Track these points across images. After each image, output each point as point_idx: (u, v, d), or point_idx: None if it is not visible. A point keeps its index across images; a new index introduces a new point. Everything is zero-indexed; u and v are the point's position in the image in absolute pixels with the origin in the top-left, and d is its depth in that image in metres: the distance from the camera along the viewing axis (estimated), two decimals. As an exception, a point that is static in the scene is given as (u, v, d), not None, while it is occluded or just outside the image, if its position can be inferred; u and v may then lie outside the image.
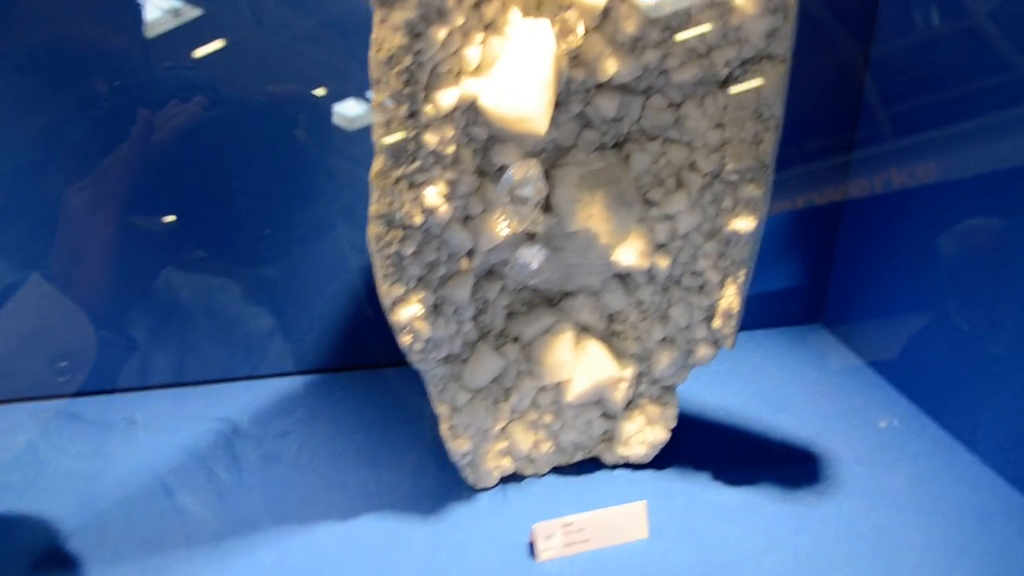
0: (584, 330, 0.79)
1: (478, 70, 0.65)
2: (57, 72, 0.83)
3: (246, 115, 0.89)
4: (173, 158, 0.87)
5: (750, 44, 0.67)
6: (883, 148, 0.98)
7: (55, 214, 0.85)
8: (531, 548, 0.73)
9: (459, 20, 0.62)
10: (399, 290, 0.68)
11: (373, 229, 0.66)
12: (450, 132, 0.65)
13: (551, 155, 0.73)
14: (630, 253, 0.74)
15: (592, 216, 0.73)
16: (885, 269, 0.98)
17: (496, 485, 0.80)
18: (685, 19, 0.67)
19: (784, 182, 1.02)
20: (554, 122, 0.71)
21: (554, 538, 0.73)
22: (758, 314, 1.10)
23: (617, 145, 0.75)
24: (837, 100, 1.01)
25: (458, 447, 0.77)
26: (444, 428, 0.76)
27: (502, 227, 0.70)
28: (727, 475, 0.81)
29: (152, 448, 0.84)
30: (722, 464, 0.83)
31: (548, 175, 0.73)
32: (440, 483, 0.80)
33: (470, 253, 0.72)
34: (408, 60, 0.61)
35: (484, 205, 0.70)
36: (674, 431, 0.82)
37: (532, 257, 0.73)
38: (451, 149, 0.65)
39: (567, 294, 0.79)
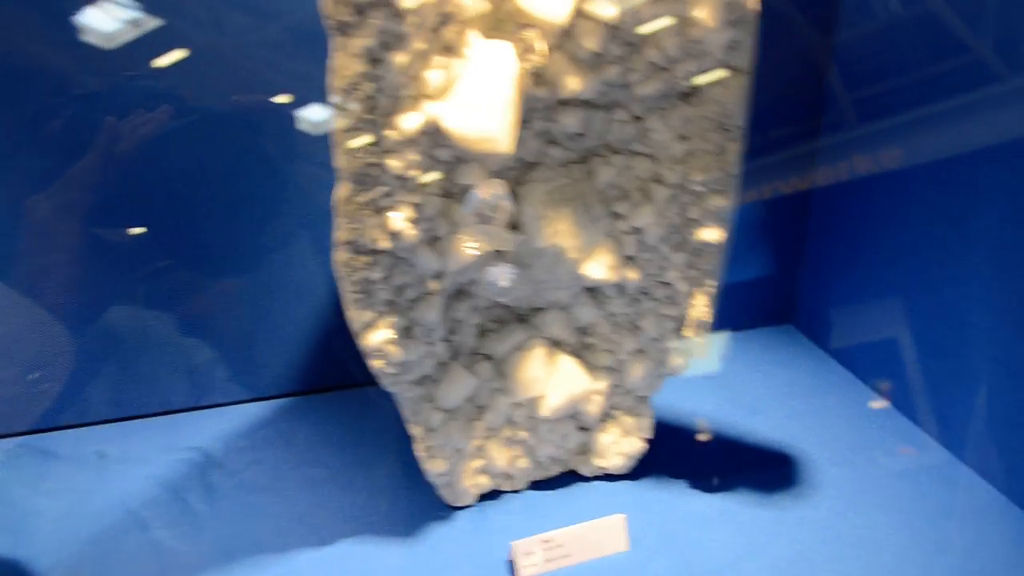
0: (556, 345, 0.79)
1: (440, 93, 0.65)
2: (13, 86, 0.82)
3: (213, 125, 0.88)
4: (137, 171, 0.87)
5: (711, 57, 0.67)
6: (849, 137, 0.98)
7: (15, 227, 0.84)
8: (510, 566, 0.73)
9: (418, 45, 0.61)
10: (368, 315, 0.68)
11: (340, 256, 0.66)
12: (414, 156, 0.64)
13: (517, 173, 0.73)
14: (599, 267, 0.74)
15: (559, 232, 0.73)
16: (854, 266, 0.99)
17: (474, 503, 0.80)
18: (647, 33, 0.68)
19: (750, 176, 1.02)
20: (519, 140, 0.71)
21: (534, 555, 0.73)
22: (728, 317, 1.10)
23: (582, 160, 0.75)
24: (801, 93, 1.01)
25: (434, 468, 0.77)
26: (419, 449, 0.76)
27: (470, 248, 0.70)
28: (704, 482, 0.82)
29: (125, 481, 0.82)
30: (699, 471, 0.83)
31: (514, 193, 0.73)
32: (417, 503, 0.80)
33: (438, 274, 0.71)
34: (369, 87, 0.61)
35: (451, 226, 0.70)
36: (650, 440, 0.82)
37: (501, 275, 0.73)
38: (415, 172, 0.65)
39: (537, 310, 0.78)
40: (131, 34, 0.85)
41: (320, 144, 0.89)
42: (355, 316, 0.68)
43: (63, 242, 0.86)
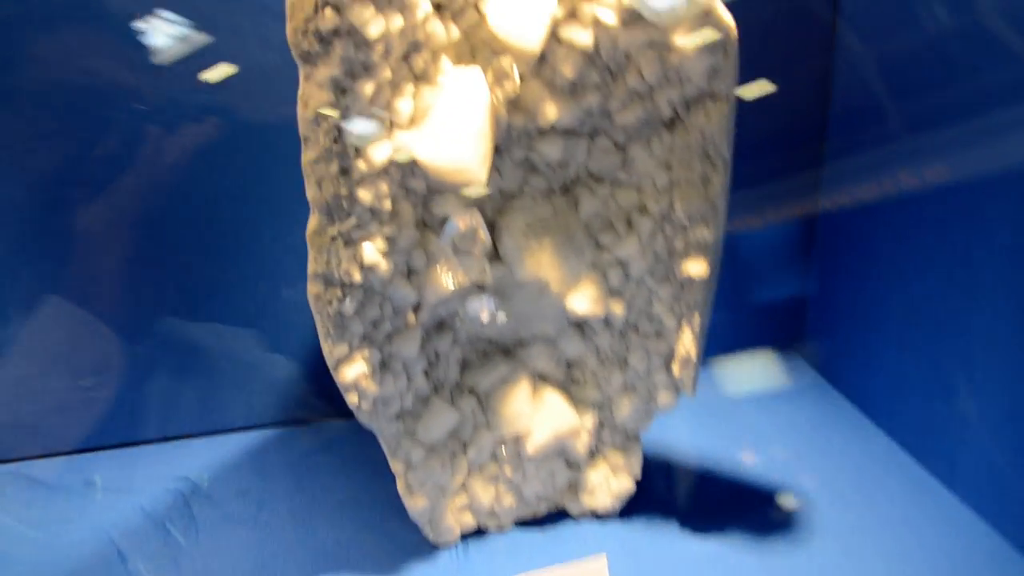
0: (542, 379, 0.77)
1: (411, 122, 0.63)
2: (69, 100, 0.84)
3: (254, 138, 0.88)
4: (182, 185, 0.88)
5: (692, 83, 0.65)
6: (853, 164, 0.95)
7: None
8: (491, 608, 0.71)
9: (386, 74, 0.60)
10: (342, 349, 0.67)
11: (312, 289, 0.65)
12: (385, 187, 0.63)
13: (496, 203, 0.71)
14: (583, 300, 0.72)
15: (541, 264, 0.71)
16: (860, 295, 0.96)
17: (457, 541, 0.78)
18: (624, 60, 0.66)
19: (755, 202, 1.00)
20: (498, 169, 0.70)
21: (514, 597, 0.71)
22: (733, 342, 1.07)
23: (566, 189, 0.73)
24: (804, 120, 0.99)
25: (415, 504, 0.75)
26: (401, 485, 0.74)
27: (447, 280, 0.68)
28: (696, 523, 0.79)
29: (109, 511, 0.82)
30: (691, 511, 0.81)
31: (494, 224, 0.72)
32: (400, 540, 0.78)
33: (416, 307, 0.70)
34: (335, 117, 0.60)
35: (427, 258, 0.68)
36: (642, 474, 0.80)
37: (482, 308, 0.71)
38: (388, 204, 0.64)
39: (523, 342, 0.77)
40: (180, 50, 0.85)
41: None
42: (329, 350, 0.67)
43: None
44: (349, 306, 0.65)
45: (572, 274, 0.72)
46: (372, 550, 0.77)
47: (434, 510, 0.76)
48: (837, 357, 1.03)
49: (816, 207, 1.02)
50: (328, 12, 0.57)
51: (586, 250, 0.72)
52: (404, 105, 0.62)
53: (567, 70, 0.66)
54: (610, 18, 0.63)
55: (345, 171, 0.62)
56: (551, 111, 0.67)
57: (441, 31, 0.63)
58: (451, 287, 0.68)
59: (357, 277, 0.64)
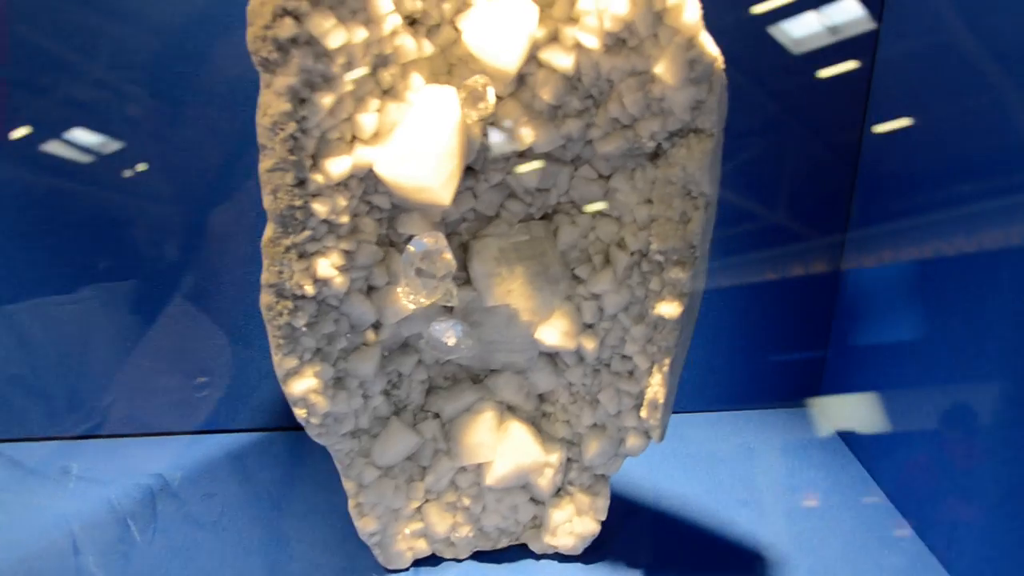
0: (510, 410, 0.74)
1: (375, 137, 0.61)
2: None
3: None
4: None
5: (675, 116, 0.62)
6: (879, 228, 0.91)
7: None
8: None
9: (348, 86, 0.58)
10: (292, 362, 0.65)
11: (264, 299, 0.63)
12: (343, 201, 0.61)
13: (471, 225, 0.69)
14: (553, 332, 0.69)
15: (512, 292, 0.68)
16: (877, 355, 0.91)
17: (409, 567, 0.76)
18: (607, 88, 0.63)
19: (779, 259, 0.96)
20: (473, 191, 0.67)
21: (455, 634, 0.68)
22: (746, 392, 1.03)
23: (546, 217, 0.70)
24: (831, 183, 0.96)
25: (364, 526, 0.73)
26: (351, 505, 0.72)
27: (407, 300, 0.66)
28: (661, 573, 0.75)
29: (76, 500, 0.82)
30: (661, 563, 0.77)
31: (467, 246, 0.69)
32: (353, 561, 0.76)
33: (377, 325, 0.68)
34: (292, 127, 0.58)
35: (389, 277, 0.66)
36: (616, 517, 0.77)
37: (447, 332, 0.69)
38: (346, 218, 0.62)
39: (493, 371, 0.74)
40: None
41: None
42: (278, 362, 0.65)
43: None
44: (300, 319, 0.63)
45: (544, 304, 0.69)
46: (322, 567, 0.75)
47: (384, 533, 0.74)
48: (847, 414, 0.97)
49: (839, 267, 0.98)
50: (287, 20, 0.56)
51: (561, 281, 0.69)
52: (368, 119, 0.60)
53: (546, 94, 0.63)
54: (592, 42, 0.60)
55: (301, 182, 0.60)
56: (528, 135, 0.64)
57: (412, 46, 0.60)
58: (410, 308, 0.66)
59: (310, 291, 0.62)
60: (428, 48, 0.62)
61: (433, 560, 0.77)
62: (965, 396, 0.74)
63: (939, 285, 0.80)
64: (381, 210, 0.64)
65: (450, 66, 0.64)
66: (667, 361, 0.67)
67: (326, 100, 0.58)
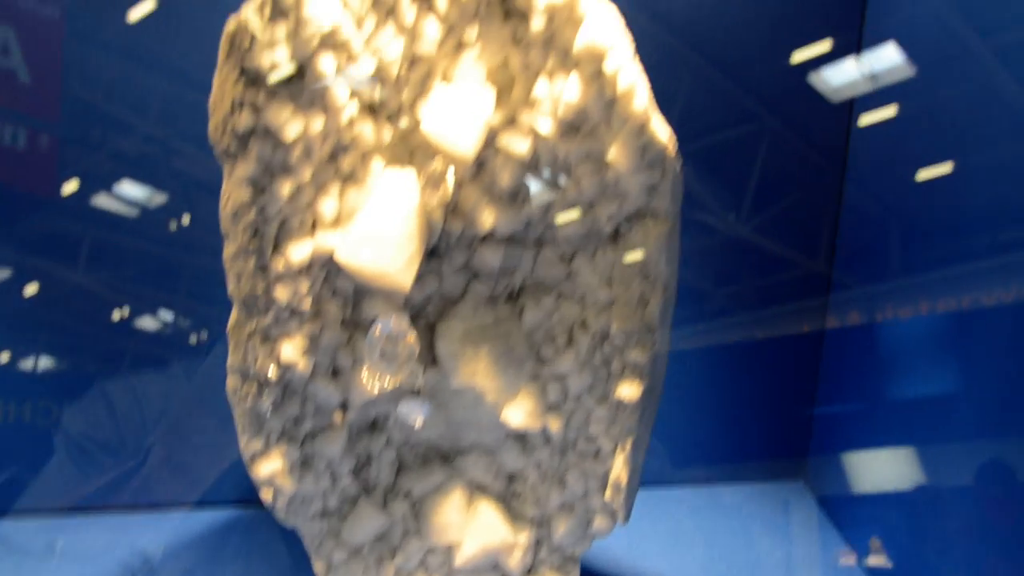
0: (479, 489, 0.74)
1: (336, 222, 0.63)
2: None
3: None
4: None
5: (630, 200, 0.63)
6: (859, 292, 0.91)
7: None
8: None
9: (307, 174, 0.60)
10: (257, 444, 0.66)
11: (230, 382, 0.64)
12: (305, 286, 0.62)
13: (437, 307, 0.70)
14: (519, 413, 0.70)
15: (477, 372, 0.69)
16: (864, 425, 0.90)
17: (381, 649, 0.75)
18: (565, 171, 0.64)
19: (761, 323, 0.97)
20: (437, 274, 0.68)
21: None
22: (733, 467, 1.02)
23: (511, 297, 0.71)
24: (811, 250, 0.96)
25: (334, 607, 0.73)
26: (321, 586, 0.72)
27: (372, 382, 0.67)
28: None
29: (59, 579, 0.83)
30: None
31: (433, 328, 0.70)
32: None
33: (344, 406, 0.68)
34: (252, 214, 0.60)
35: (355, 359, 0.67)
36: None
37: (414, 412, 0.69)
38: (308, 303, 0.63)
39: (461, 450, 0.74)
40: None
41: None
42: (244, 444, 0.66)
43: None
44: (265, 402, 0.64)
45: (510, 385, 0.70)
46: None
47: (356, 615, 0.74)
48: (835, 489, 0.96)
49: (823, 329, 0.98)
50: (245, 112, 0.58)
51: (527, 361, 0.70)
52: (328, 206, 0.62)
53: (505, 178, 0.64)
54: (548, 128, 0.62)
55: (263, 268, 0.61)
56: (489, 218, 0.65)
57: (370, 133, 0.62)
58: (375, 390, 0.67)
59: (274, 374, 0.63)
60: (387, 135, 0.63)
61: (404, 642, 0.76)
62: (937, 473, 0.73)
63: (921, 349, 0.80)
64: (344, 294, 0.65)
65: (410, 152, 0.65)
66: (629, 442, 0.67)
67: (285, 188, 0.60)
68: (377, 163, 0.63)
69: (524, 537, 0.73)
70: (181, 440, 0.94)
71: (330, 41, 0.58)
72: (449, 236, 0.66)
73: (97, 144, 0.88)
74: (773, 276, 0.98)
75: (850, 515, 0.92)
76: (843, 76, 0.92)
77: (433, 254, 0.67)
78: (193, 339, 0.94)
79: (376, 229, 0.62)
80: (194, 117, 0.85)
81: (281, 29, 0.57)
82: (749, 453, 1.03)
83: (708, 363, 1.00)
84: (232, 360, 0.63)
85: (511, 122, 0.63)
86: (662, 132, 0.60)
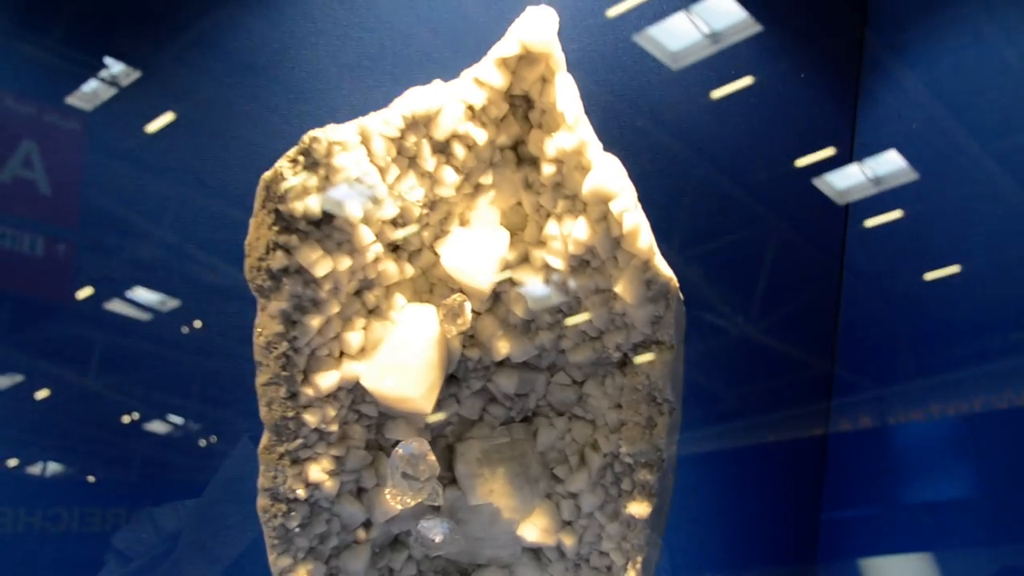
0: (497, 604, 0.77)
1: (361, 353, 0.67)
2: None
3: None
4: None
5: (636, 330, 0.67)
6: (861, 397, 0.95)
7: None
8: None
9: (335, 308, 0.65)
10: (286, 561, 0.69)
11: (261, 502, 0.68)
12: (332, 411, 0.67)
13: (456, 429, 0.74)
14: (534, 529, 0.73)
15: (494, 491, 0.72)
16: (871, 519, 0.92)
17: None
18: (575, 304, 0.68)
19: (766, 430, 1.00)
20: (456, 398, 0.72)
21: None
22: (745, 554, 1.04)
23: (526, 419, 0.75)
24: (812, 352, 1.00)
25: None
26: None
27: (396, 501, 0.70)
28: None
29: None
30: None
31: (452, 449, 0.74)
32: None
33: (367, 524, 0.72)
34: (284, 346, 0.64)
35: (378, 479, 0.71)
36: None
37: (434, 529, 0.72)
38: (335, 427, 0.67)
39: (479, 566, 0.77)
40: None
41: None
42: (273, 561, 0.69)
43: None
44: (293, 521, 0.68)
45: (525, 503, 0.73)
46: None
47: None
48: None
49: (826, 433, 1.01)
50: (279, 253, 0.63)
51: (541, 480, 0.73)
52: (354, 337, 0.67)
53: (519, 310, 0.69)
54: (558, 264, 0.67)
55: (293, 395, 0.66)
56: (504, 347, 0.70)
57: (394, 270, 0.67)
58: (398, 508, 0.70)
59: (302, 494, 0.67)
60: (409, 271, 0.68)
61: None
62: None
63: (925, 449, 0.82)
64: (369, 418, 0.69)
65: (431, 286, 0.70)
66: (640, 558, 0.70)
67: (315, 321, 0.64)
68: (400, 297, 0.68)
69: (540, 652, 0.76)
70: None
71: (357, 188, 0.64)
72: (467, 363, 0.71)
73: (113, 250, 0.91)
74: (783, 378, 1.01)
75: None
76: (845, 180, 0.97)
77: (452, 379, 0.72)
78: (203, 443, 0.97)
79: (399, 358, 0.67)
80: (208, 224, 0.91)
81: (313, 178, 0.63)
82: (758, 559, 1.05)
83: (717, 466, 1.03)
84: (263, 481, 0.67)
85: (524, 259, 0.68)
86: (665, 268, 0.64)
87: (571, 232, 0.66)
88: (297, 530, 0.68)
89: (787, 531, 1.04)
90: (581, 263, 0.67)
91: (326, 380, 0.66)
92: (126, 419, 0.94)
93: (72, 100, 0.87)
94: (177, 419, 0.96)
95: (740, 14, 0.97)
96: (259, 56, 0.90)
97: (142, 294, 0.93)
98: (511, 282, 0.69)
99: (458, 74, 0.67)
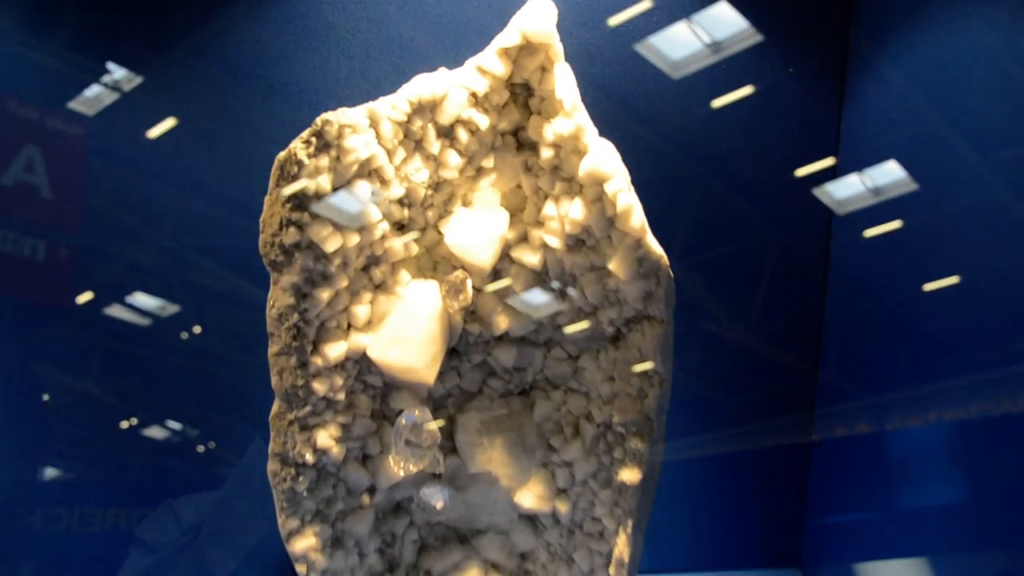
0: (494, 568, 0.81)
1: (368, 325, 0.71)
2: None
3: None
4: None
5: (629, 305, 0.71)
6: (845, 403, 0.98)
7: None
8: None
9: (343, 282, 0.68)
10: (294, 523, 0.73)
11: (271, 466, 0.72)
12: (340, 380, 0.70)
13: (457, 400, 0.78)
14: (530, 496, 0.77)
15: (492, 460, 0.76)
16: (856, 515, 0.95)
17: None
18: (571, 280, 0.72)
19: (753, 433, 1.03)
20: (457, 371, 0.76)
21: None
22: (730, 554, 1.07)
23: (524, 392, 0.78)
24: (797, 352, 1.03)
25: None
26: (348, 658, 0.78)
27: (398, 468, 0.74)
28: None
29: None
30: None
31: (453, 419, 0.77)
32: None
33: (372, 490, 0.76)
34: (295, 317, 0.68)
35: (382, 446, 0.74)
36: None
37: (435, 495, 0.76)
38: (342, 395, 0.71)
39: (477, 532, 0.81)
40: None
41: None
42: (282, 523, 0.73)
43: None
44: (302, 484, 0.71)
45: (522, 471, 0.77)
46: None
47: None
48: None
49: (809, 436, 1.05)
50: (292, 229, 0.66)
51: (537, 450, 0.77)
52: (361, 310, 0.70)
53: (517, 286, 0.73)
54: (555, 243, 0.70)
55: (303, 364, 0.69)
56: (503, 322, 0.73)
57: (400, 247, 0.71)
58: (401, 474, 0.74)
59: (310, 459, 0.71)
60: (415, 249, 0.72)
61: None
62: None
63: (912, 454, 0.85)
64: (374, 388, 0.73)
65: (434, 263, 0.74)
66: (630, 522, 0.74)
67: (325, 295, 0.68)
68: (405, 273, 0.72)
69: (535, 613, 0.80)
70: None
71: (366, 169, 0.68)
72: (468, 337, 0.75)
73: (114, 255, 0.92)
74: (770, 386, 1.04)
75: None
76: (839, 189, 1.00)
77: (453, 353, 0.75)
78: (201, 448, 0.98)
79: (403, 331, 0.70)
80: (208, 229, 0.92)
81: (324, 159, 0.66)
82: (745, 539, 1.08)
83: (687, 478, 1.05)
84: (273, 446, 0.71)
85: (523, 238, 0.72)
86: (656, 246, 0.68)
87: (568, 212, 0.69)
88: (305, 494, 0.72)
89: (772, 537, 1.07)
90: (577, 242, 0.70)
91: (334, 350, 0.70)
92: (124, 424, 0.95)
93: (74, 105, 0.89)
94: (175, 424, 0.97)
95: (740, 23, 1.00)
96: (260, 63, 0.92)
97: (143, 298, 0.94)
98: (511, 260, 0.72)
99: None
